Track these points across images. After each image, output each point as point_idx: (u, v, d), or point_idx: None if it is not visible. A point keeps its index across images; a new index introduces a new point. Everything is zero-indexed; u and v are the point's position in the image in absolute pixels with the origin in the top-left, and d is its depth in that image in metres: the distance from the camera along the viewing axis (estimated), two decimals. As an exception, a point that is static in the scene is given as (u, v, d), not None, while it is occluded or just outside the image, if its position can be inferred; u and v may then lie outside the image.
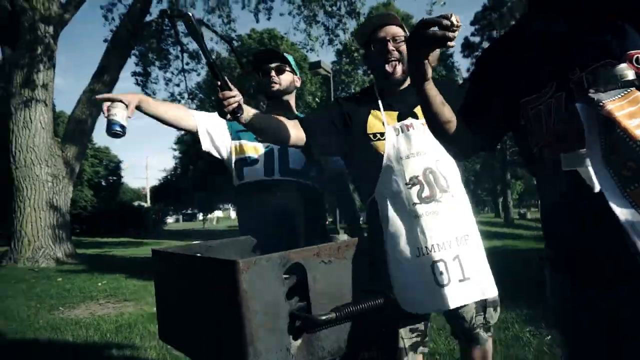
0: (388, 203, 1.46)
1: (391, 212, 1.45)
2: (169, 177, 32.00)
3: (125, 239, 21.01)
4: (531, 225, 20.97)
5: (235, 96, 1.28)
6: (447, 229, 1.41)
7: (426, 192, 1.43)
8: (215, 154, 1.87)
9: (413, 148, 1.47)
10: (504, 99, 1.06)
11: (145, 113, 1.65)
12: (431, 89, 1.09)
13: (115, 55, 10.50)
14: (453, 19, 0.98)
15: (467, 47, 26.58)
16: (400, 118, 1.52)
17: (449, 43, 0.99)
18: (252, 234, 1.59)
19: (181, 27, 15.08)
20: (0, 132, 9.21)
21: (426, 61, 1.06)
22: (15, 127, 8.51)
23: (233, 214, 67.83)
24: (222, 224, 47.53)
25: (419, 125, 1.48)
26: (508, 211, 25.53)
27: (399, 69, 1.54)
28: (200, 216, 41.55)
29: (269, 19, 14.28)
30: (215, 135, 1.84)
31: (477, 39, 26.51)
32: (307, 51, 15.76)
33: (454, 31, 0.98)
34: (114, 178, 33.53)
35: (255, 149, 1.87)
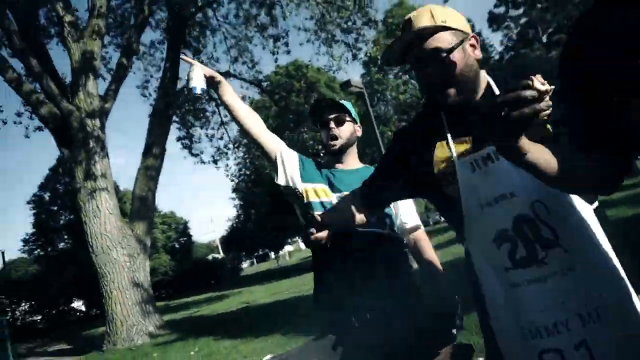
0: (482, 263, 1.13)
1: (484, 276, 1.12)
2: (234, 225, 32.97)
3: (207, 294, 21.66)
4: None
5: (324, 237, 1.27)
6: (562, 302, 0.99)
7: (521, 252, 1.03)
8: (289, 185, 1.78)
9: (497, 189, 1.06)
10: (614, 106, 0.81)
11: (221, 99, 1.69)
12: (531, 156, 0.84)
13: (158, 127, 11.04)
14: (537, 84, 0.75)
15: (494, 21, 25.54)
16: (475, 147, 1.11)
17: (542, 114, 0.76)
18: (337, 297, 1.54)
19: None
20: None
21: (521, 141, 0.82)
22: (86, 219, 9.08)
23: (302, 245, 68.42)
24: (295, 258, 48.00)
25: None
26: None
27: (451, 90, 1.12)
28: (273, 255, 42.25)
29: (288, 53, 14.51)
30: (289, 171, 1.77)
31: (501, 10, 25.45)
32: (333, 72, 15.80)
33: (543, 99, 0.75)
34: (185, 238, 35.05)
35: (325, 192, 1.73)
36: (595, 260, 1.01)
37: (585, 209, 1.05)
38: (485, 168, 1.08)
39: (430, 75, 1.12)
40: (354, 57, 14.45)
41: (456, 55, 1.10)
